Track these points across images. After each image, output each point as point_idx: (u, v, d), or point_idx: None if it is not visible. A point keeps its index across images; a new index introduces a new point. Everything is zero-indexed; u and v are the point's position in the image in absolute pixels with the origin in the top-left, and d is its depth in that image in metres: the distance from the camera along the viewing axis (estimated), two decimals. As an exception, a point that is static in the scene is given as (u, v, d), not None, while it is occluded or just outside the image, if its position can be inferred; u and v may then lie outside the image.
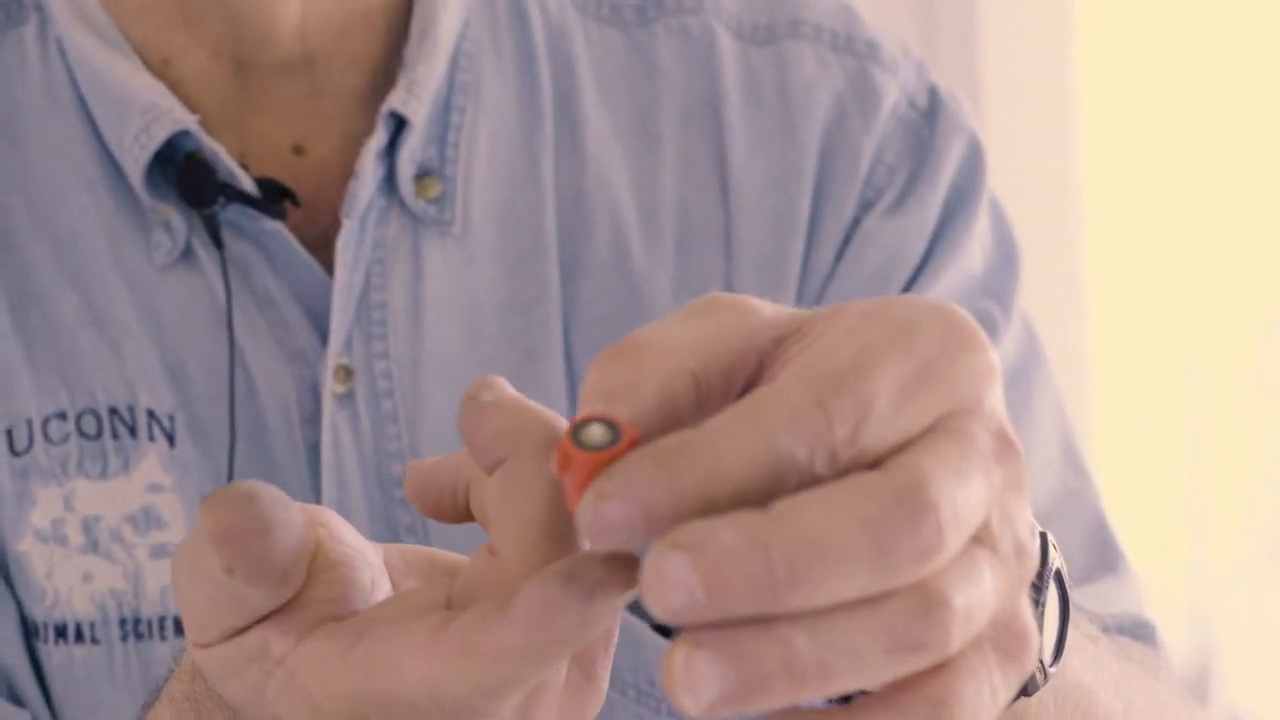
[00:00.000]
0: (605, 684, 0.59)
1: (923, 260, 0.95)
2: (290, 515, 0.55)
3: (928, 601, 0.48)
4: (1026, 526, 0.52)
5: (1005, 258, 0.98)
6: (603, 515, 0.48)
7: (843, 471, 0.49)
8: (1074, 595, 0.67)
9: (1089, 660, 0.72)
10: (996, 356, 0.52)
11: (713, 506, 0.48)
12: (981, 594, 0.50)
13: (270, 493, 0.55)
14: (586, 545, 0.50)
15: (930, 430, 0.50)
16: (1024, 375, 0.97)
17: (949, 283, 0.95)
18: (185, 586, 0.56)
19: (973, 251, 0.97)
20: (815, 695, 0.48)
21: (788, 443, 0.48)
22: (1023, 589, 0.52)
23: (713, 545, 0.47)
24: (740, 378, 0.52)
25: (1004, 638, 0.51)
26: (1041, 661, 0.62)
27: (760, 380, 0.52)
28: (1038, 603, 0.62)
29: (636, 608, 0.87)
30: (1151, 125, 2.34)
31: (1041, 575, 0.62)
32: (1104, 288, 2.33)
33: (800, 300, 0.95)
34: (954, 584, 0.49)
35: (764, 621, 0.47)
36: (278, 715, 0.56)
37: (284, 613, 0.56)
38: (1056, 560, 0.63)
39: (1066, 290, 2.24)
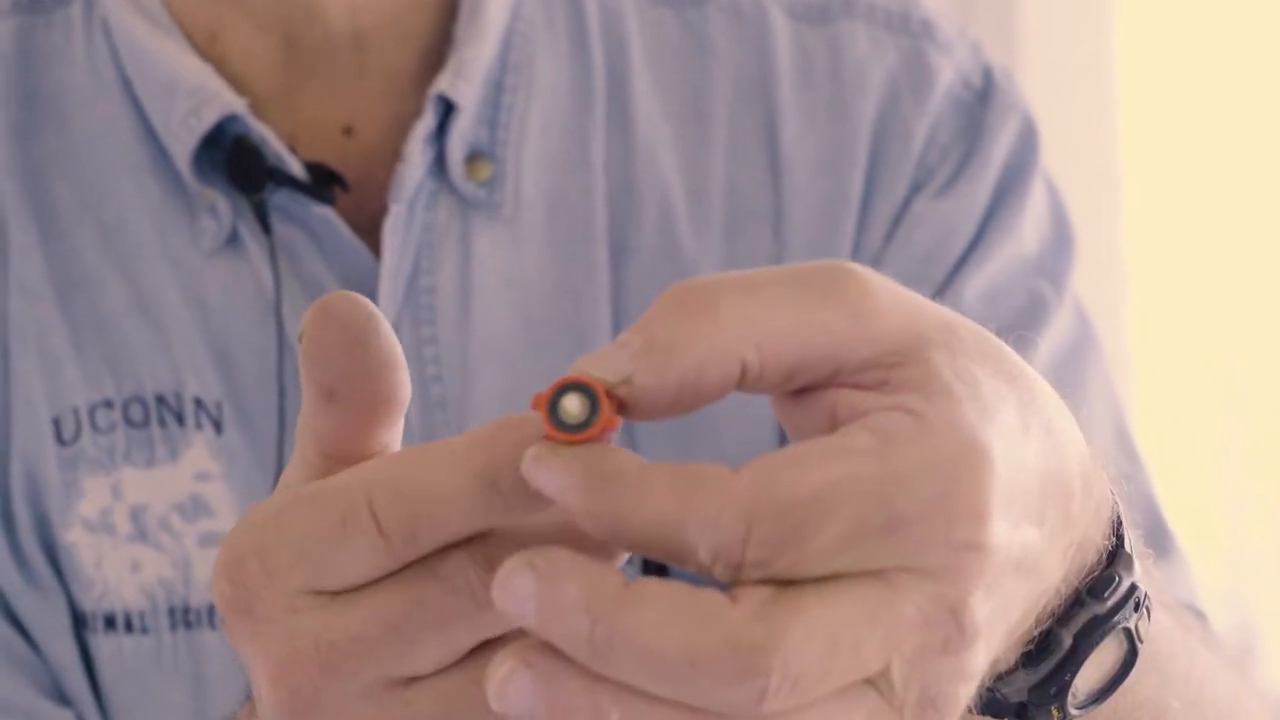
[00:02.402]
0: None
1: (973, 241, 0.94)
2: (392, 351, 0.55)
3: None
4: (955, 684, 0.51)
5: (1059, 238, 0.97)
6: (529, 472, 0.50)
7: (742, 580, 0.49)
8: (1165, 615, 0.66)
9: (1171, 679, 0.70)
10: (994, 530, 0.50)
11: (614, 536, 0.50)
12: None
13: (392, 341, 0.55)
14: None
15: (864, 574, 0.49)
16: (1076, 357, 0.96)
17: (999, 263, 0.94)
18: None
19: (1025, 232, 0.96)
20: None
21: (697, 540, 0.49)
22: None
23: (555, 589, 0.49)
24: (804, 379, 0.52)
25: None
26: (1064, 707, 0.61)
27: (828, 386, 0.52)
28: (1091, 639, 0.60)
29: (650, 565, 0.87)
30: (1191, 107, 2.33)
31: (1112, 612, 0.60)
32: (1143, 269, 2.32)
33: None
34: None
35: (593, 676, 0.49)
36: None
37: None
38: (1132, 621, 0.61)
39: (1106, 272, 2.23)
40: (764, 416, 0.91)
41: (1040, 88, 2.16)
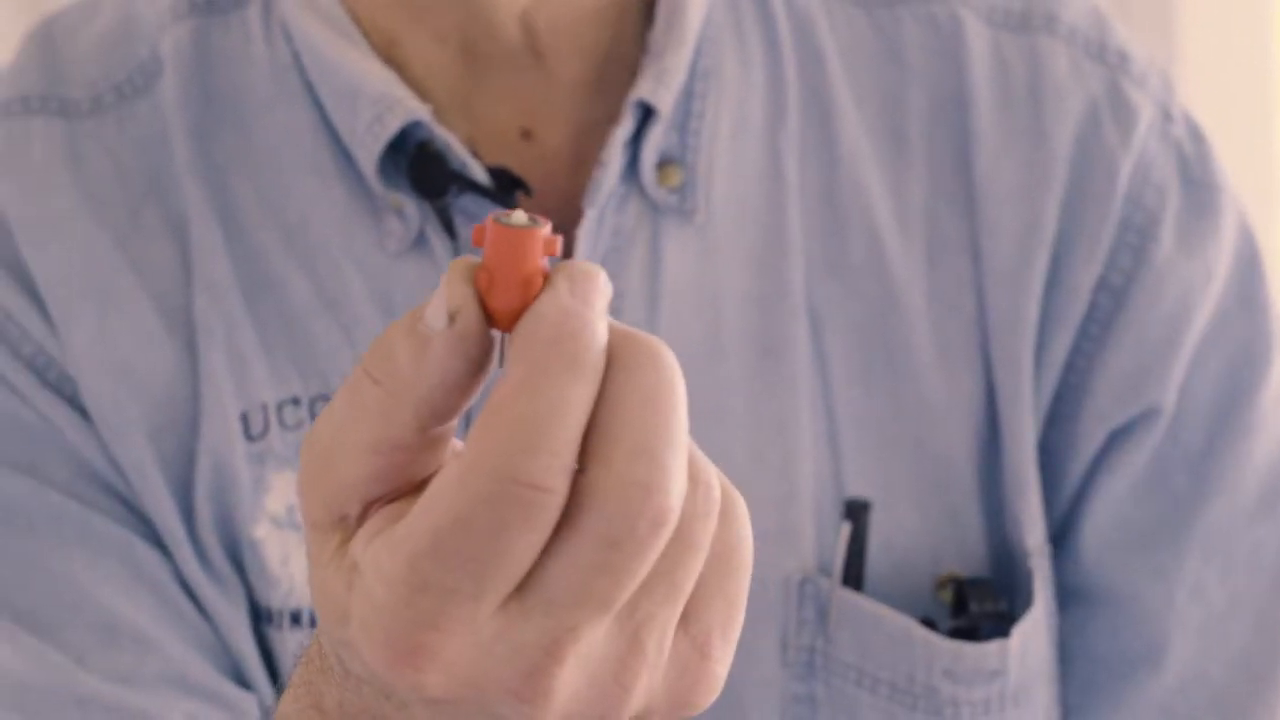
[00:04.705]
0: (722, 668, 0.57)
1: (1217, 315, 0.94)
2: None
3: None
4: None
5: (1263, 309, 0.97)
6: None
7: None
8: None
9: None
10: None
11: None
12: None
13: None
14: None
15: None
16: None
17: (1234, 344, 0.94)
18: (348, 410, 0.54)
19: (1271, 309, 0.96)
20: None
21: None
22: None
23: None
24: None
25: None
26: None
27: None
28: None
29: (931, 623, 0.89)
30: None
31: None
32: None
33: (1046, 317, 0.92)
34: None
35: None
36: (353, 640, 0.54)
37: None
38: None
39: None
40: (970, 390, 0.92)
41: (1199, 95, 2.14)
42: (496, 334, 0.53)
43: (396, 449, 0.54)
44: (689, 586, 0.54)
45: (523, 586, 0.53)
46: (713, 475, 0.54)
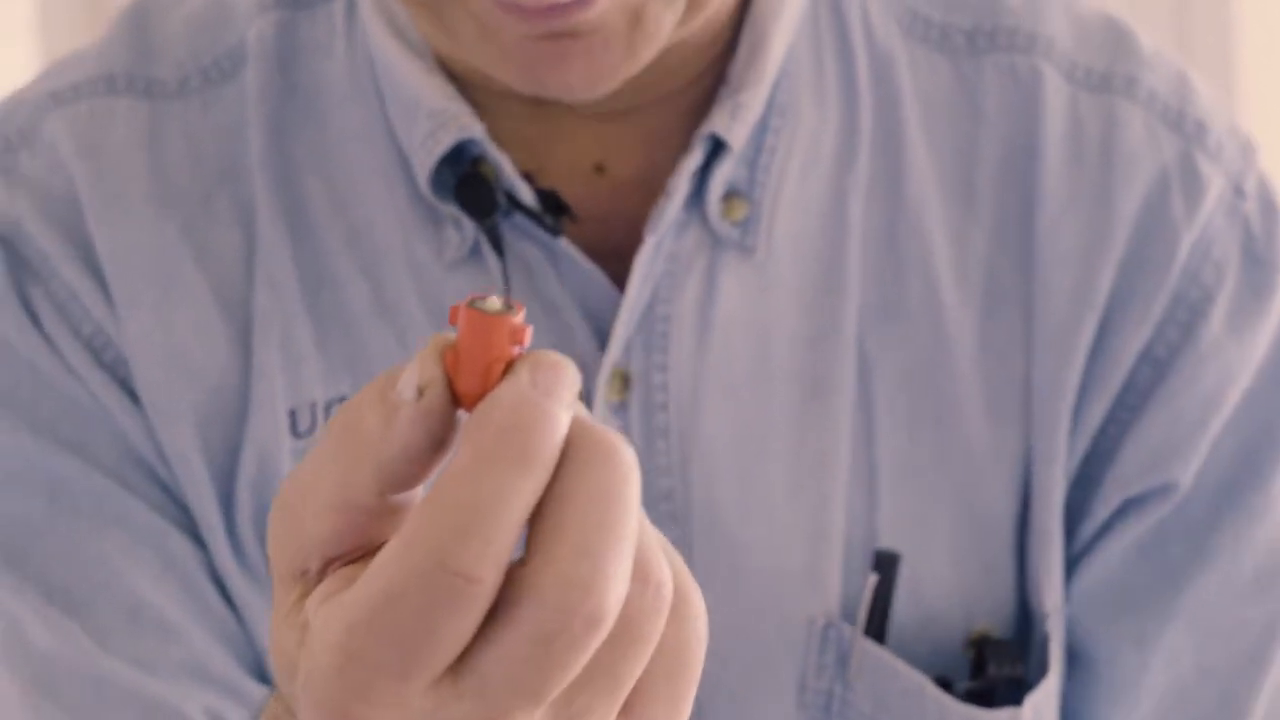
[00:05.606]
0: None
1: (1250, 393, 0.93)
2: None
3: None
4: None
5: None
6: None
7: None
8: None
9: None
10: None
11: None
12: None
13: None
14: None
15: None
16: None
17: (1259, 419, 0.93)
18: (316, 466, 0.55)
19: None
20: None
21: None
22: None
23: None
24: None
25: None
26: None
27: None
28: None
29: (947, 682, 0.89)
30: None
31: None
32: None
33: (1088, 381, 0.92)
34: None
35: None
36: (297, 696, 0.55)
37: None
38: None
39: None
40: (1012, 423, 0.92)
41: (1259, 109, 2.13)
42: (463, 414, 0.54)
43: (356, 510, 0.54)
44: (630, 682, 0.55)
45: (457, 667, 0.53)
46: (666, 573, 0.54)
